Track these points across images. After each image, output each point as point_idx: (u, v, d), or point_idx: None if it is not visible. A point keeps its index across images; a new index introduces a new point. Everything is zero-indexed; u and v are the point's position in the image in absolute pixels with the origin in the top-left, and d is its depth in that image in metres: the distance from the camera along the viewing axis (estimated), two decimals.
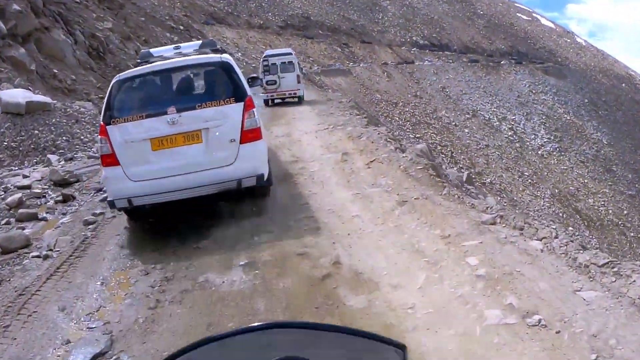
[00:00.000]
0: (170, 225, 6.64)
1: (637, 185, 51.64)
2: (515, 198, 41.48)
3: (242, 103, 6.32)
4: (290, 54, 22.94)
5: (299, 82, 22.03)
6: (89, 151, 11.72)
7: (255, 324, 1.11)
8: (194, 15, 44.30)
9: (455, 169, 29.58)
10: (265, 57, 22.65)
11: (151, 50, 7.97)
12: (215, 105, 6.29)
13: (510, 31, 69.64)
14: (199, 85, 7.38)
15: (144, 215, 6.91)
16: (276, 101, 21.68)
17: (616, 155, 55.64)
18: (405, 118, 43.96)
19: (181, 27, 36.27)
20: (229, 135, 6.22)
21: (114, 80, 6.51)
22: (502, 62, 60.62)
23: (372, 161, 8.73)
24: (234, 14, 50.87)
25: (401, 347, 1.08)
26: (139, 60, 7.70)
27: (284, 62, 21.89)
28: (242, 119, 6.25)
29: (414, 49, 57.97)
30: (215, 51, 7.52)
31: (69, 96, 15.63)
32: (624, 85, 71.41)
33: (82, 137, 12.61)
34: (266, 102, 21.38)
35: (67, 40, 17.61)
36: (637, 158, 56.35)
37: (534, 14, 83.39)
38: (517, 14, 78.04)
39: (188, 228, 6.45)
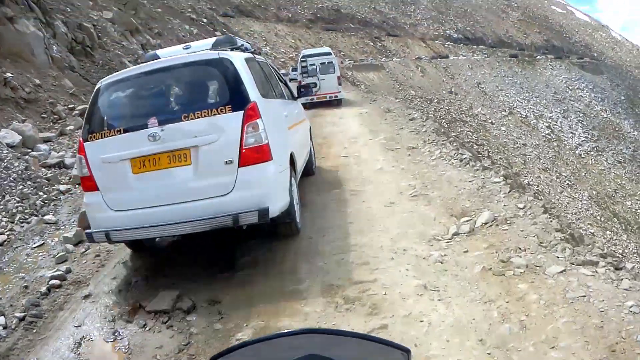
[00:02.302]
0: None
1: None
2: (553, 200, 40.22)
3: (242, 112, 4.94)
4: (329, 53, 21.79)
5: (339, 83, 20.92)
6: None
7: (287, 331, 1.25)
8: (220, 8, 43.13)
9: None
10: (303, 57, 21.37)
11: (158, 51, 6.52)
12: (206, 115, 4.96)
13: (545, 24, 67.74)
14: (190, 89, 5.85)
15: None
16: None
17: None
18: (441, 115, 42.64)
19: (204, 20, 34.31)
20: (224, 156, 4.91)
21: (97, 86, 5.44)
22: (537, 57, 58.87)
23: None
24: (262, 7, 49.84)
25: (406, 351, 1.19)
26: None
27: (324, 63, 20.79)
28: (242, 134, 4.90)
29: (448, 42, 56.49)
30: (234, 50, 6.15)
31: (24, 110, 11.43)
32: None
33: None
34: (304, 104, 20.63)
35: (39, 33, 13.56)
36: None
37: (568, 7, 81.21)
38: (552, 6, 75.97)
39: None
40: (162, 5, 29.70)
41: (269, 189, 5.07)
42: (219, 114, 4.94)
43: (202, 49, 6.12)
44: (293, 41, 46.56)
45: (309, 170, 8.45)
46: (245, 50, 6.42)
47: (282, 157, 5.52)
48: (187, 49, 6.21)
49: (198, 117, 4.94)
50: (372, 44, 51.54)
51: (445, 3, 62.46)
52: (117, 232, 5.02)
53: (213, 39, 6.44)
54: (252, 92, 5.11)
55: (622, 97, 60.87)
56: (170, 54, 6.12)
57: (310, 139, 9.02)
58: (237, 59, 5.32)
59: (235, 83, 5.08)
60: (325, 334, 1.26)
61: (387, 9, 57.91)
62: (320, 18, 52.78)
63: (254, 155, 4.91)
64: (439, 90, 46.81)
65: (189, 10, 34.54)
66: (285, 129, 6.38)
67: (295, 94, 8.28)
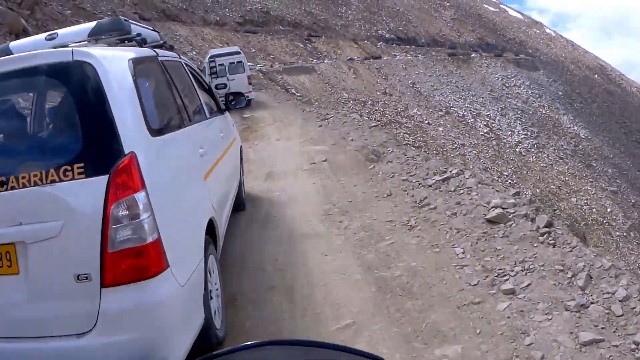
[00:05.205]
0: None
1: (617, 181, 49.59)
2: None
3: (105, 178, 2.39)
4: (238, 52, 20.56)
5: (249, 83, 19.79)
6: None
7: (253, 342, 1.10)
8: (145, 13, 40.07)
9: None
10: (211, 57, 20.05)
11: (12, 43, 3.92)
12: (38, 182, 2.38)
13: (478, 23, 67.06)
14: (18, 126, 3.30)
15: None
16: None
17: (594, 149, 53.53)
18: (375, 118, 40.52)
19: None
20: (74, 264, 2.38)
21: None
22: (472, 56, 57.72)
23: None
24: (189, 11, 46.77)
25: None
26: None
27: (233, 63, 19.65)
28: (105, 222, 2.36)
29: (380, 43, 54.63)
30: (125, 42, 3.89)
31: None
32: (596, 76, 69.67)
33: None
34: None
35: None
36: (615, 152, 54.45)
37: (500, 5, 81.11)
38: (484, 5, 75.54)
39: None
40: (73, 7, 26.39)
41: (163, 328, 2.54)
42: (61, 179, 2.36)
43: (72, 40, 3.67)
44: (220, 45, 43.65)
45: (238, 206, 6.26)
46: (142, 43, 3.95)
47: (189, 249, 3.01)
48: (51, 39, 3.73)
49: (24, 185, 2.38)
50: (302, 46, 49.16)
51: (376, 3, 60.83)
52: None
53: (93, 23, 3.97)
54: (131, 131, 2.53)
55: (560, 93, 60.49)
56: (26, 48, 3.60)
57: (241, 163, 6.73)
58: (111, 64, 2.66)
59: (98, 115, 2.48)
60: (293, 345, 1.13)
61: (317, 10, 55.73)
62: (249, 21, 50.11)
63: (130, 263, 2.42)
64: (372, 92, 44.65)
65: (109, 13, 31.14)
66: (200, 181, 3.70)
67: (222, 106, 5.84)
